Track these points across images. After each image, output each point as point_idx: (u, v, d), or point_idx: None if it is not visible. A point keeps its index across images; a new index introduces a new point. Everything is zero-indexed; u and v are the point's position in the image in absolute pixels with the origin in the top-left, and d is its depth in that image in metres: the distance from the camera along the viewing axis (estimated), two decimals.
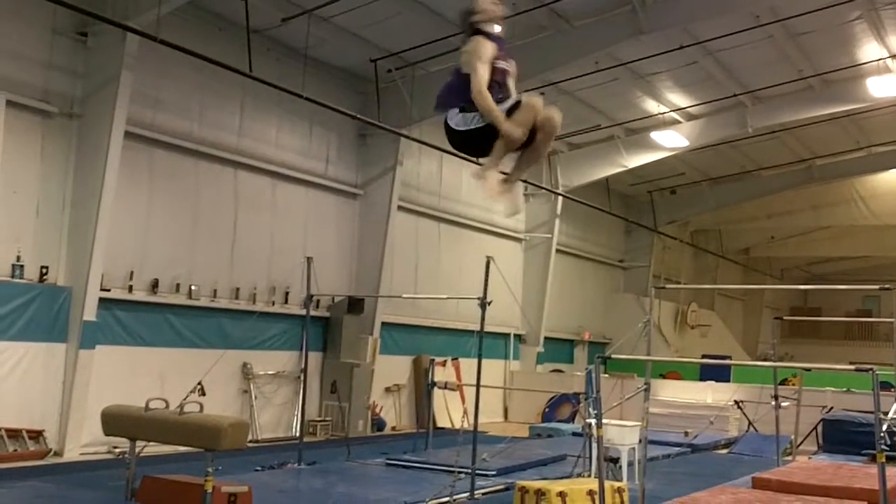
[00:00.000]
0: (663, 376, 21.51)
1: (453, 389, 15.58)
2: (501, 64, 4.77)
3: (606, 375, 13.22)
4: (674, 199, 27.08)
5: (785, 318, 22.18)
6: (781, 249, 33.21)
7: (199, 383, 9.73)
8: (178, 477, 8.65)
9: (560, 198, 22.29)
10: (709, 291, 31.52)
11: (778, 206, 28.38)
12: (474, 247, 19.56)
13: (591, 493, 9.35)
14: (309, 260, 12.16)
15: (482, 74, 4.58)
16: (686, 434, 16.92)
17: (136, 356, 12.93)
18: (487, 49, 4.63)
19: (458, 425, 15.43)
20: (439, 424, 16.55)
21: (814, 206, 27.99)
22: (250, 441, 12.62)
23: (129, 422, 8.70)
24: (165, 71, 13.30)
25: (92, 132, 12.09)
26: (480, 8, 4.78)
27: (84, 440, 11.83)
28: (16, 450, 11.16)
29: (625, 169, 22.17)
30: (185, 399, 8.89)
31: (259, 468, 10.96)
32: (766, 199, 27.43)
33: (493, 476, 11.09)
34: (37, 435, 11.50)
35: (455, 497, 8.36)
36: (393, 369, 17.85)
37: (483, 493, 10.08)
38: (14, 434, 11.23)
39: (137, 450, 8.81)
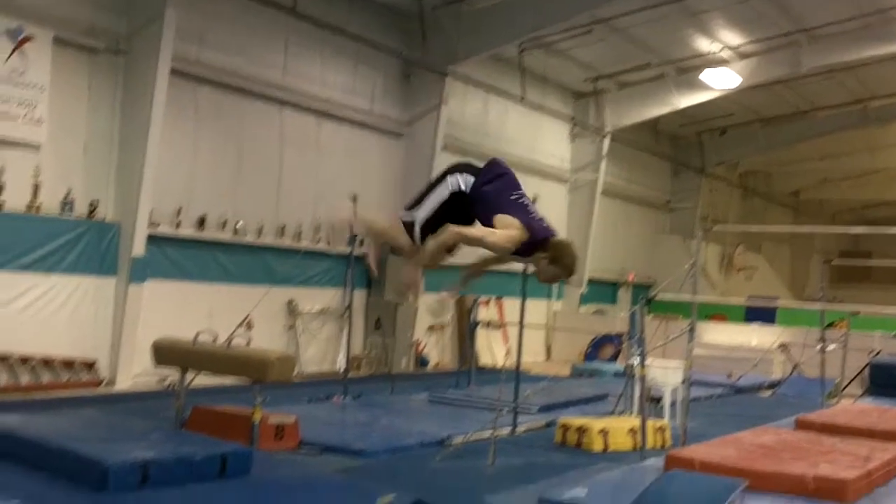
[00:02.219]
0: (708, 318, 21.39)
1: (497, 328, 15.65)
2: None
3: (650, 317, 13.19)
4: (723, 140, 26.59)
5: (834, 261, 21.81)
6: (833, 192, 32.54)
7: (247, 317, 9.89)
8: (227, 408, 8.86)
9: (607, 138, 22.02)
10: (756, 234, 31.07)
11: (831, 148, 27.72)
12: None
13: (632, 430, 9.43)
14: (354, 198, 12.19)
15: (477, 239, 4.74)
16: (729, 376, 16.84)
17: (184, 291, 13.16)
18: (509, 243, 4.68)
19: (500, 364, 15.53)
20: (482, 363, 16.68)
21: (869, 147, 27.29)
22: (296, 375, 12.84)
23: (179, 353, 8.90)
24: (210, 7, 13.29)
25: (138, 69, 12.17)
26: (541, 265, 4.82)
27: (135, 371, 12.15)
28: (70, 379, 11.49)
29: (675, 109, 21.78)
30: (232, 333, 9.07)
31: (305, 401, 11.17)
32: (818, 141, 26.80)
33: (535, 413, 11.19)
34: (90, 365, 11.82)
35: (496, 432, 8.44)
36: (436, 308, 17.96)
37: (524, 430, 10.18)
38: (68, 364, 11.56)
39: (186, 381, 9.03)
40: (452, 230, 4.64)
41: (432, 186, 4.83)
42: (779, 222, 31.75)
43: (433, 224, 4.73)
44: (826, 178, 31.42)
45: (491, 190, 4.78)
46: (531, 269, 10.65)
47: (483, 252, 5.09)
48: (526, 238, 4.55)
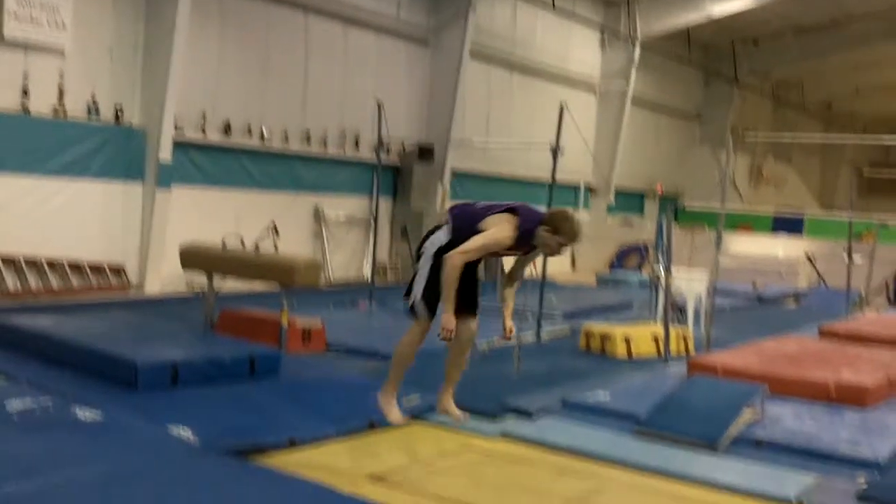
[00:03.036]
0: (735, 229, 21.27)
1: None
2: (504, 252, 4.82)
3: (677, 227, 13.14)
4: (756, 49, 25.95)
5: (865, 172, 21.50)
6: (866, 103, 31.83)
7: (273, 223, 9.93)
8: (255, 311, 8.99)
9: (638, 46, 21.56)
10: (786, 146, 30.60)
11: (866, 59, 26.97)
12: (547, 96, 19.18)
13: (655, 337, 9.48)
14: (380, 105, 12.10)
15: (473, 251, 4.59)
16: (754, 285, 16.84)
17: (211, 197, 13.24)
18: (506, 234, 4.55)
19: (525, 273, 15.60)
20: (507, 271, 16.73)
21: None
22: (322, 282, 12.98)
23: (206, 258, 9.00)
24: None
25: None
26: (545, 238, 4.68)
27: (164, 276, 12.31)
28: (99, 284, 11.68)
29: (709, 18, 21.21)
30: (259, 238, 9.14)
31: (331, 306, 11.30)
32: (852, 52, 26.08)
33: (560, 320, 11.27)
34: (118, 270, 12.00)
35: (522, 338, 8.52)
36: None
37: (549, 336, 10.28)
38: (97, 269, 11.73)
39: (215, 285, 9.14)
40: (449, 255, 4.62)
41: (416, 270, 4.82)
42: (810, 133, 31.19)
43: (433, 291, 4.72)
44: (858, 89, 30.70)
45: (465, 220, 4.82)
46: (559, 178, 10.60)
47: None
48: (517, 223, 4.53)
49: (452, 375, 4.77)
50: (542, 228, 4.55)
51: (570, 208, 5.05)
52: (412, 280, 4.73)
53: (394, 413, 4.57)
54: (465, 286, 4.69)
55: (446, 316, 4.52)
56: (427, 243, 4.67)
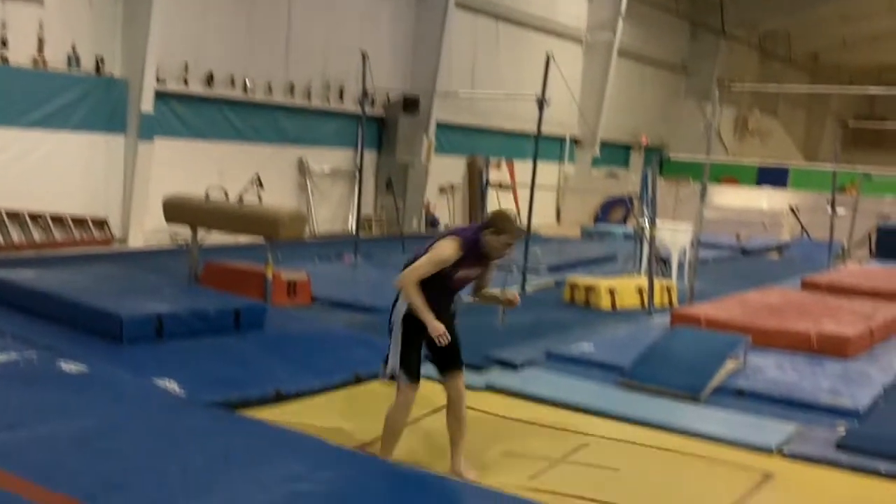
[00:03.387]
0: (719, 181, 21.31)
1: (507, 190, 15.63)
2: (463, 273, 4.60)
3: (662, 179, 13.14)
4: (744, 0, 25.76)
5: (850, 123, 21.52)
6: (852, 55, 31.73)
7: (257, 175, 9.86)
8: (239, 264, 8.96)
9: None
10: (772, 98, 30.53)
11: (853, 9, 26.86)
12: (533, 47, 18.98)
13: (639, 289, 9.55)
14: (364, 55, 11.94)
15: (421, 268, 4.47)
16: (738, 237, 16.92)
17: (194, 149, 13.11)
18: (450, 249, 4.46)
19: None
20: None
21: (891, 8, 26.43)
22: (308, 235, 12.94)
23: (190, 210, 8.94)
24: None
25: None
26: (491, 242, 4.55)
27: (147, 229, 12.24)
28: (82, 237, 11.60)
29: None
30: (243, 190, 9.07)
31: (316, 259, 11.29)
32: (840, 2, 25.95)
33: (545, 273, 11.31)
34: (101, 223, 11.91)
35: (506, 292, 8.53)
36: (447, 169, 17.91)
37: (534, 288, 10.31)
38: (80, 222, 11.64)
39: (199, 238, 9.10)
40: (401, 277, 4.58)
41: (389, 344, 4.73)
42: (796, 84, 31.11)
43: (410, 355, 4.62)
44: (845, 41, 30.59)
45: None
46: (544, 130, 10.55)
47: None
48: (459, 240, 4.54)
49: (455, 437, 4.73)
50: (485, 233, 4.53)
51: (504, 209, 4.94)
52: (387, 353, 4.67)
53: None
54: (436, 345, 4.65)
55: (431, 325, 4.47)
56: (393, 317, 4.64)
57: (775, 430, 5.42)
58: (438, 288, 4.59)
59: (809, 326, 7.57)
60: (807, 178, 20.46)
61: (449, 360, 4.72)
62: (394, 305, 4.71)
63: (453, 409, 4.73)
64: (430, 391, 5.16)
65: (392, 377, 4.66)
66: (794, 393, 6.11)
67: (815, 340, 7.32)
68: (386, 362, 4.68)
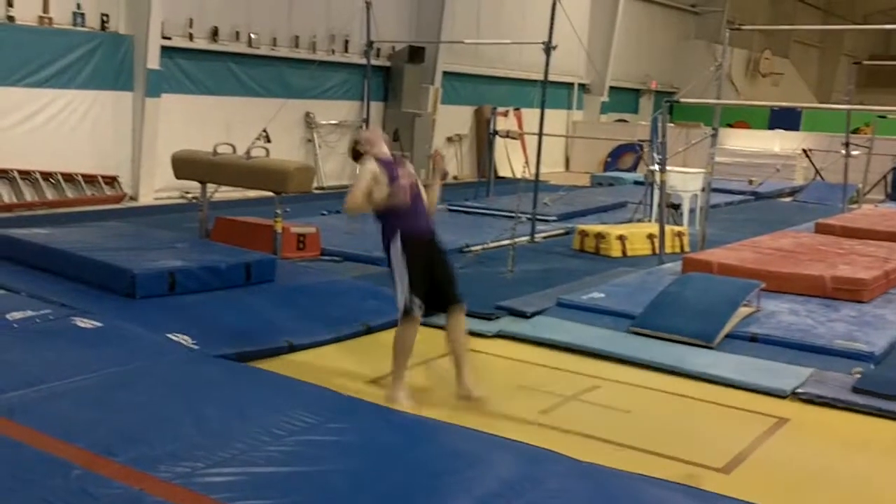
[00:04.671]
0: (731, 125, 21.09)
1: (515, 138, 15.51)
2: (400, 176, 4.85)
3: (672, 124, 12.99)
4: None
5: (864, 62, 21.16)
6: None
7: (264, 130, 9.82)
8: (249, 218, 8.96)
9: None
10: (784, 38, 30.06)
11: None
12: None
13: (650, 236, 9.51)
14: (368, 5, 11.80)
15: (355, 187, 4.81)
16: (750, 182, 16.80)
17: (201, 104, 13.04)
18: (370, 166, 4.85)
19: (518, 175, 15.53)
20: (500, 174, 16.66)
21: None
22: (315, 188, 12.91)
23: (199, 166, 8.92)
24: None
25: None
26: (361, 140, 5.03)
27: (157, 185, 12.24)
28: (93, 194, 11.61)
29: None
30: (251, 145, 9.04)
31: (325, 212, 11.27)
32: None
33: (554, 221, 11.27)
34: (112, 180, 11.92)
35: (516, 240, 8.53)
36: (454, 119, 17.79)
37: (543, 237, 10.29)
38: (90, 179, 11.65)
39: (208, 193, 9.10)
40: (349, 204, 4.89)
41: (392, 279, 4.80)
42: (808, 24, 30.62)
43: (418, 280, 4.73)
44: None
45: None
46: (552, 77, 10.43)
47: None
48: (372, 158, 4.91)
49: (459, 361, 4.85)
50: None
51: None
52: (395, 291, 4.81)
53: (403, 401, 4.65)
54: (433, 276, 4.78)
55: (392, 191, 4.72)
56: (392, 261, 4.81)
57: (790, 374, 5.41)
58: (401, 209, 4.81)
59: (824, 270, 7.53)
60: (820, 119, 20.21)
61: (444, 296, 4.80)
62: (387, 252, 4.83)
63: (454, 333, 4.87)
64: (433, 337, 5.20)
65: (407, 311, 4.77)
66: (809, 338, 6.09)
67: (829, 284, 7.28)
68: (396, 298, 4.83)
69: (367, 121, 12.66)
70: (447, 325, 4.92)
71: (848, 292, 7.20)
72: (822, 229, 10.55)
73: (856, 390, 5.11)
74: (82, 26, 11.54)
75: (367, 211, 4.89)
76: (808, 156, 18.18)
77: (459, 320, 4.93)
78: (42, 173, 11.12)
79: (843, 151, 14.02)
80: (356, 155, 5.10)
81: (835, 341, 6.01)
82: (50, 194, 11.20)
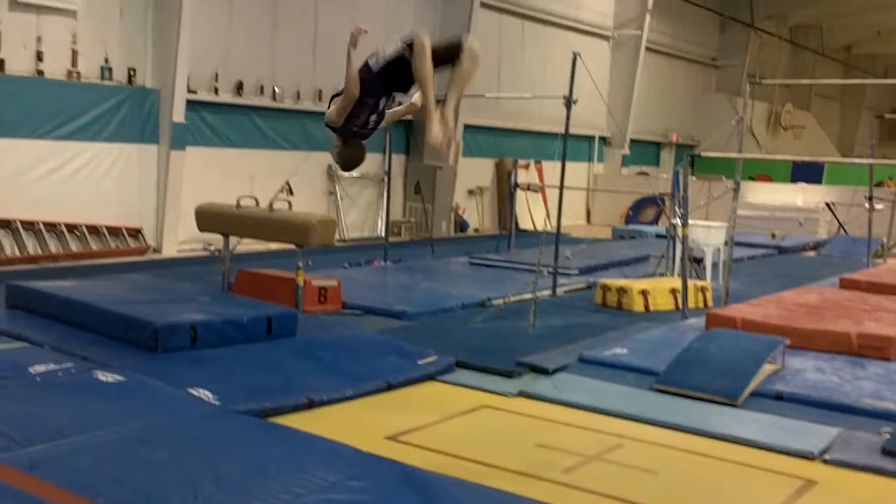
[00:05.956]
0: (753, 179, 21.05)
1: (536, 191, 15.56)
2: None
3: (694, 177, 13.02)
4: None
5: (886, 116, 21.14)
6: (887, 45, 31.20)
7: (287, 183, 9.90)
8: (271, 271, 8.99)
9: None
10: (805, 91, 30.12)
11: None
12: (559, 46, 18.92)
13: (673, 291, 9.44)
14: (399, 104, 11.94)
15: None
16: (773, 236, 16.72)
17: (225, 157, 13.20)
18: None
19: (540, 227, 15.54)
20: (521, 227, 16.69)
21: None
22: (337, 240, 12.98)
23: (222, 218, 8.98)
24: None
25: None
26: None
27: (180, 238, 12.35)
28: (117, 246, 11.72)
29: None
30: (274, 197, 9.11)
31: (346, 265, 11.30)
32: None
33: (575, 275, 11.23)
34: (136, 232, 12.03)
35: (537, 294, 8.49)
36: (476, 172, 17.88)
37: (565, 291, 10.25)
38: (115, 231, 11.77)
39: (231, 246, 9.15)
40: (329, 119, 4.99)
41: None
42: (829, 78, 30.66)
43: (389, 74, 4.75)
44: (880, 31, 30.09)
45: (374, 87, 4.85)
46: (573, 130, 10.48)
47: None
48: (336, 126, 4.99)
49: (453, 88, 4.89)
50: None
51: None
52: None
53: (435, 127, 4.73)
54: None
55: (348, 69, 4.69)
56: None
57: (817, 434, 5.31)
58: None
59: (849, 327, 7.44)
60: (843, 173, 20.13)
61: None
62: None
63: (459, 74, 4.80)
64: (454, 394, 5.15)
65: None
66: (836, 396, 5.98)
67: (855, 341, 7.18)
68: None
69: (388, 173, 12.75)
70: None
71: (875, 349, 7.10)
72: (846, 284, 10.44)
73: (885, 453, 5.00)
74: (110, 80, 11.76)
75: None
76: (831, 209, 18.08)
77: (474, 50, 4.75)
78: (67, 225, 11.24)
79: (867, 205, 13.93)
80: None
81: (862, 400, 5.91)
82: (74, 246, 11.31)
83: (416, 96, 5.11)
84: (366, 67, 4.80)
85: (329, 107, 4.98)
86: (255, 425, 5.01)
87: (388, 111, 5.10)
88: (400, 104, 5.31)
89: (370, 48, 4.86)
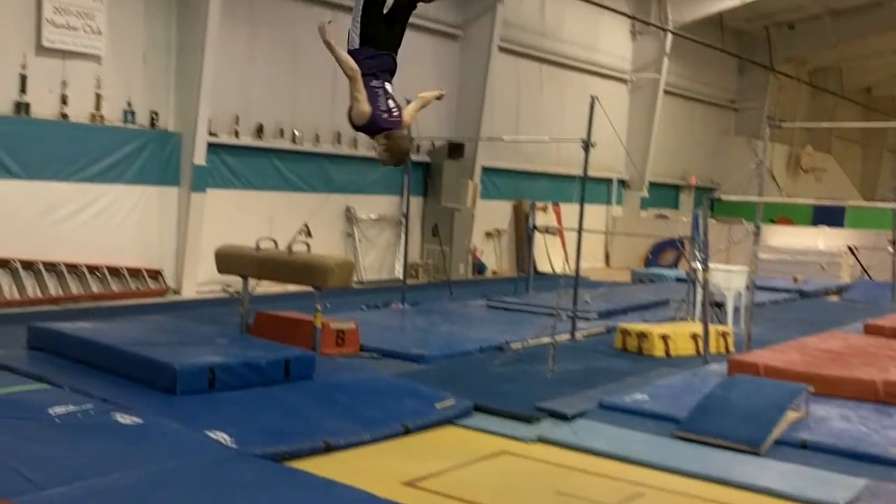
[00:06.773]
0: (773, 222, 20.94)
1: (554, 234, 15.54)
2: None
3: (713, 220, 12.97)
4: (792, 34, 25.51)
5: None
6: None
7: (305, 225, 9.95)
8: (289, 313, 8.99)
9: (669, 35, 21.31)
10: (825, 134, 30.07)
11: None
12: (577, 89, 19.02)
13: (694, 336, 9.35)
14: (408, 102, 12.02)
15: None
16: (795, 280, 16.58)
17: (244, 199, 13.28)
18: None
19: (558, 270, 15.50)
20: (540, 269, 16.64)
21: None
22: (355, 282, 12.97)
23: (241, 261, 9.02)
24: None
25: None
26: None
27: (200, 279, 12.38)
28: (137, 288, 11.77)
29: (741, 2, 20.89)
30: (292, 240, 9.14)
31: (364, 307, 11.29)
32: (892, 33, 25.53)
33: (595, 319, 11.16)
34: (156, 274, 12.08)
35: (556, 338, 8.44)
36: (493, 214, 17.91)
37: (584, 335, 10.17)
38: (135, 273, 11.82)
39: (250, 288, 9.17)
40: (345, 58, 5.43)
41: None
42: (850, 121, 30.63)
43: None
44: None
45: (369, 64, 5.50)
46: (591, 173, 10.48)
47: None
48: (366, 120, 5.34)
49: None
50: (381, 139, 5.41)
51: (407, 136, 5.78)
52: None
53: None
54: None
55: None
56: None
57: (842, 485, 5.20)
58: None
59: (875, 374, 7.33)
60: (865, 216, 19.99)
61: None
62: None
63: None
64: (472, 439, 5.10)
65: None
66: (862, 445, 5.88)
67: (882, 389, 7.06)
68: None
69: (406, 215, 12.79)
70: None
71: None
72: (871, 330, 10.31)
73: None
74: (132, 123, 11.90)
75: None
76: (854, 253, 17.93)
77: None
78: (88, 266, 11.31)
79: (891, 249, 13.82)
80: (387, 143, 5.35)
81: (890, 449, 5.80)
82: (95, 287, 11.36)
83: (425, 93, 5.84)
84: (349, 51, 5.48)
85: (349, 114, 5.50)
86: (273, 470, 4.97)
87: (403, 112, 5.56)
88: (409, 102, 5.83)
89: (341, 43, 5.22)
